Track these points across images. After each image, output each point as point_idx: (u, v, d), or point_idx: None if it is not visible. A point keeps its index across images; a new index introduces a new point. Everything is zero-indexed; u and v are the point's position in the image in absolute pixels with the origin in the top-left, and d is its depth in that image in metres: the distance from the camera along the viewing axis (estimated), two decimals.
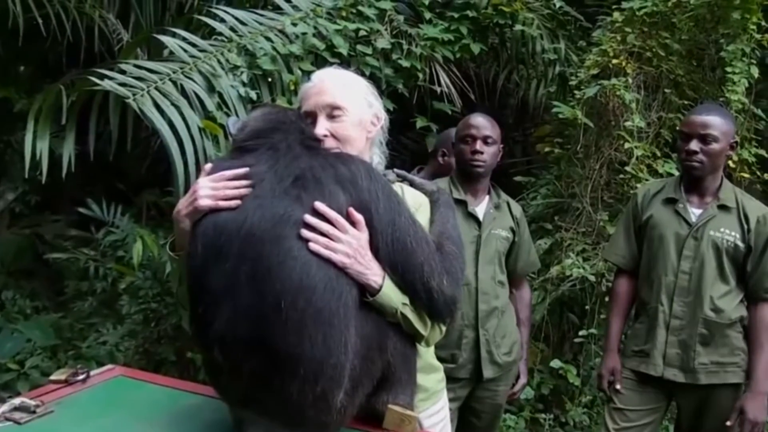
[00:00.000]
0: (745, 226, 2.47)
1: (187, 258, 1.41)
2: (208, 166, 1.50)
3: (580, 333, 3.46)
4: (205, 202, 1.39)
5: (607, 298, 3.44)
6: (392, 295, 1.38)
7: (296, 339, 1.25)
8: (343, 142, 1.58)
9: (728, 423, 2.42)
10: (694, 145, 2.46)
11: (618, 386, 2.59)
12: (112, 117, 3.19)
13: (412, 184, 1.71)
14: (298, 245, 1.29)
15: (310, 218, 1.30)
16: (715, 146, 2.45)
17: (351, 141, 1.60)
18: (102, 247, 4.97)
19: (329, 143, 1.57)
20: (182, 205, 1.47)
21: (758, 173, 3.48)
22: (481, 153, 2.55)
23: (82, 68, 4.94)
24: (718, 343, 2.47)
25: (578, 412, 3.50)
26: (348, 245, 1.31)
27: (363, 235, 1.35)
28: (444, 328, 1.53)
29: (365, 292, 1.36)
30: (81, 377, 1.90)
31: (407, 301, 1.40)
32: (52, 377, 1.90)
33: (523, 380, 2.76)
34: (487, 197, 2.66)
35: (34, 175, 3.19)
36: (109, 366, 2.04)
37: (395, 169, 1.72)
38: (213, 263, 1.33)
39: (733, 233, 2.47)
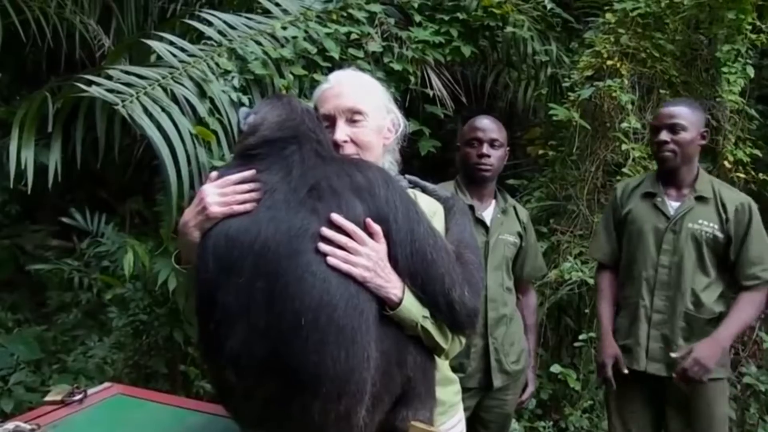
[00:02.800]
0: (723, 216, 2.47)
1: (195, 272, 1.34)
2: (214, 173, 1.43)
3: (580, 337, 3.42)
4: (216, 209, 1.32)
5: None
6: (412, 309, 1.32)
7: (318, 358, 1.20)
8: (363, 148, 1.53)
9: (673, 354, 2.40)
10: (664, 135, 2.50)
11: (625, 370, 2.50)
12: (99, 124, 3.09)
13: (424, 190, 1.66)
14: (316, 260, 1.23)
15: (327, 231, 1.24)
16: (684, 135, 2.48)
17: (370, 148, 1.55)
18: (86, 257, 4.86)
19: (349, 149, 1.52)
20: (190, 215, 1.40)
21: (753, 173, 3.48)
22: (488, 156, 2.50)
23: (63, 75, 4.85)
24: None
25: (578, 417, 3.46)
26: (367, 258, 1.26)
27: (381, 247, 1.30)
28: (464, 341, 1.48)
29: (384, 305, 1.30)
30: (78, 397, 1.84)
31: (428, 313, 1.35)
32: (48, 398, 1.84)
33: (531, 388, 2.71)
34: (493, 202, 2.61)
35: (15, 185, 3.09)
36: (107, 384, 1.98)
37: (407, 176, 1.66)
38: (225, 278, 1.27)
39: (711, 224, 2.47)
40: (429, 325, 1.35)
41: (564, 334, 3.74)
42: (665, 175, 2.58)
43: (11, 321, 4.79)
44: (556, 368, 3.37)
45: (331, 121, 1.54)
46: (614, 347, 2.57)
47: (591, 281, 3.36)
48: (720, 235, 2.45)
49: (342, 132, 1.52)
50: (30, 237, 5.73)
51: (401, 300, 1.31)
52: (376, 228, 1.30)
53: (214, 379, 1.38)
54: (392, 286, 1.30)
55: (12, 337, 4.39)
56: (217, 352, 1.27)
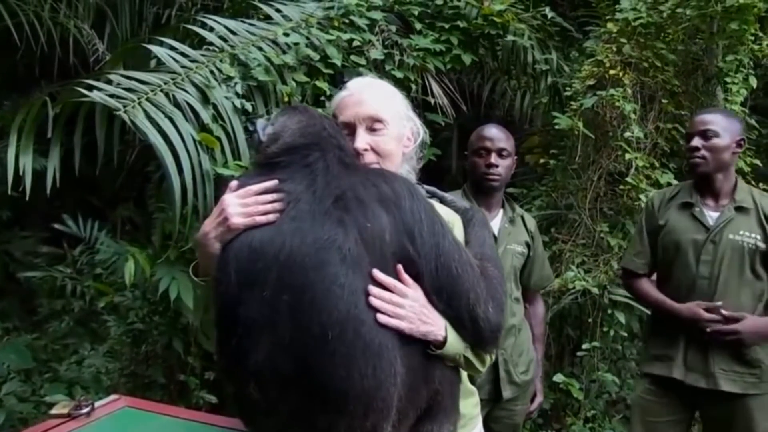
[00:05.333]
0: (767, 226, 2.44)
1: (215, 284, 1.31)
2: (234, 183, 1.40)
3: (584, 346, 3.41)
4: (238, 221, 1.30)
5: (609, 311, 3.43)
6: (455, 343, 1.34)
7: (345, 373, 1.17)
8: (383, 156, 1.51)
9: (725, 312, 2.36)
10: (696, 141, 2.49)
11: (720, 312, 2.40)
12: (98, 130, 3.04)
13: (442, 201, 1.63)
14: (343, 272, 1.20)
15: (373, 289, 1.23)
16: (716, 141, 2.46)
17: (391, 156, 1.53)
18: (79, 265, 4.80)
19: (369, 157, 1.50)
20: (210, 226, 1.37)
21: (753, 182, 3.48)
22: (496, 166, 2.49)
23: (57, 81, 4.79)
24: (738, 351, 2.42)
25: (580, 426, 3.44)
26: (411, 309, 1.26)
27: (419, 294, 1.30)
28: (493, 356, 1.47)
29: (429, 345, 1.31)
30: (85, 410, 1.80)
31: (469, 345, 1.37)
32: (54, 411, 1.81)
33: (539, 398, 2.70)
34: (501, 211, 2.60)
35: (4, 191, 3.04)
36: (114, 396, 1.95)
37: (425, 186, 1.64)
38: (248, 291, 1.24)
39: (753, 235, 2.44)
40: (470, 355, 1.37)
41: (566, 343, 3.73)
42: (700, 183, 2.55)
43: (0, 329, 4.70)
44: (559, 378, 3.35)
45: (350, 129, 1.52)
46: (692, 304, 2.44)
47: (594, 290, 3.36)
48: (762, 245, 2.42)
49: (362, 140, 1.50)
50: (19, 243, 5.65)
51: (446, 338, 1.31)
52: (407, 278, 1.29)
53: (234, 394, 1.34)
54: (437, 328, 1.31)
55: (2, 345, 4.31)
56: (240, 366, 1.24)
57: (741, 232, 2.44)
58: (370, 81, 1.66)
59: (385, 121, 1.52)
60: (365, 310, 1.20)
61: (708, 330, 2.36)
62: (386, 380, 1.20)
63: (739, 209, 2.47)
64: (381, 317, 1.22)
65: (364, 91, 1.57)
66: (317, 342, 1.17)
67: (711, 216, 2.49)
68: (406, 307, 1.26)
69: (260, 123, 1.48)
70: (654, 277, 2.67)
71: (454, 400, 1.42)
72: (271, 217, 1.28)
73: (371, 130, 1.52)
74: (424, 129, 1.64)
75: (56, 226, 4.89)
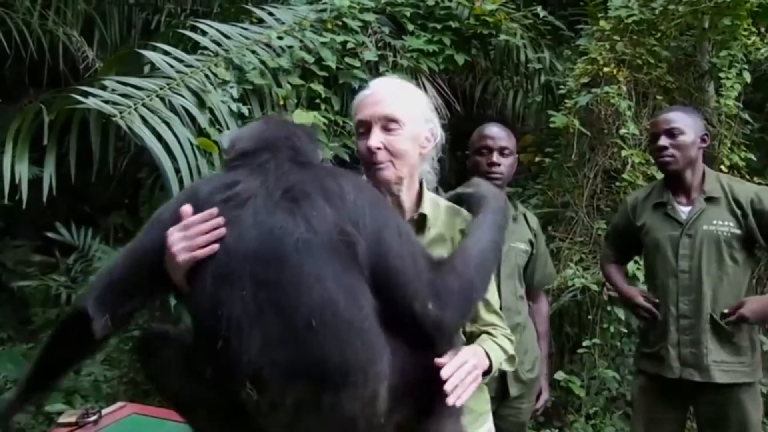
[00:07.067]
0: (739, 212, 2.46)
1: (191, 288, 1.30)
2: (187, 207, 1.32)
3: (584, 343, 3.42)
4: (183, 257, 1.26)
5: (608, 307, 3.45)
6: (496, 361, 1.51)
7: (339, 353, 1.21)
8: (396, 156, 1.53)
9: (726, 311, 2.42)
10: (663, 141, 2.51)
11: (656, 300, 2.54)
12: (93, 136, 3.03)
13: (461, 197, 1.67)
14: (304, 261, 1.22)
15: (447, 389, 1.31)
16: (682, 138, 2.50)
17: (404, 156, 1.54)
18: (73, 273, 4.76)
19: (382, 156, 1.52)
20: (167, 261, 1.32)
21: (747, 176, 3.50)
22: (498, 165, 2.48)
23: (47, 88, 4.76)
24: (726, 341, 2.44)
25: (583, 424, 3.46)
26: (468, 372, 1.36)
27: (463, 354, 1.38)
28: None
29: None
30: (92, 418, 1.79)
31: (502, 358, 1.54)
32: (61, 419, 1.80)
33: (545, 395, 2.68)
34: None
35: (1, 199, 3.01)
36: (120, 404, 1.94)
37: (445, 194, 1.68)
38: (227, 291, 1.24)
39: (726, 223, 2.46)
40: (506, 365, 1.55)
41: (565, 341, 3.74)
42: (671, 181, 2.58)
43: None
44: (560, 375, 3.36)
45: (366, 127, 1.54)
46: (636, 289, 2.71)
47: (593, 287, 3.37)
48: (738, 231, 2.44)
49: (376, 139, 1.52)
50: (11, 253, 5.59)
51: (491, 361, 1.48)
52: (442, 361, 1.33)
53: (224, 404, 1.29)
54: (484, 359, 1.45)
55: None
56: (232, 368, 1.23)
57: (714, 222, 2.46)
58: (390, 81, 1.68)
59: (401, 121, 1.53)
60: (334, 290, 1.22)
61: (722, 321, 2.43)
62: (378, 348, 1.25)
63: (709, 200, 2.50)
64: (451, 400, 1.31)
65: (382, 91, 1.58)
66: (304, 332, 1.20)
67: (683, 211, 2.52)
68: (465, 373, 1.35)
69: (225, 135, 1.54)
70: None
71: None
72: (215, 246, 1.26)
73: (386, 129, 1.53)
74: (442, 132, 1.64)
75: (49, 234, 4.85)
